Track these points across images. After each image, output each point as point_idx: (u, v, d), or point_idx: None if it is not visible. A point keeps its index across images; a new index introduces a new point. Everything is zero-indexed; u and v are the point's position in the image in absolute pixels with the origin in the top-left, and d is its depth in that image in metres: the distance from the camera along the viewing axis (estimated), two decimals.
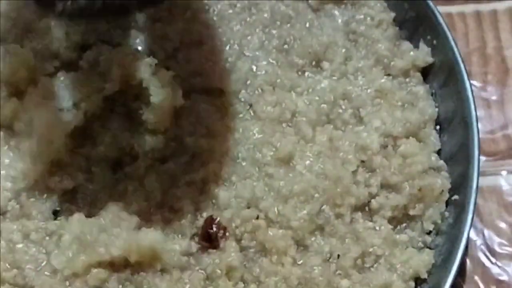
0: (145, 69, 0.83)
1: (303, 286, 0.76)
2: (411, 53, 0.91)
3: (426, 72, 0.91)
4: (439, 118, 0.89)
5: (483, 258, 0.88)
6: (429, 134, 0.87)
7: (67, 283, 0.75)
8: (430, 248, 0.82)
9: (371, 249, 0.79)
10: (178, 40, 0.89)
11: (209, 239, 0.77)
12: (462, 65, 0.87)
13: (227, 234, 0.78)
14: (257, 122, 0.85)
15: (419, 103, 0.88)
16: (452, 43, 0.88)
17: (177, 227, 0.78)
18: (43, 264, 0.76)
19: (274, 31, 0.91)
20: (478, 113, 0.85)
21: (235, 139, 0.84)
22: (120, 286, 0.75)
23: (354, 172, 0.82)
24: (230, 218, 0.78)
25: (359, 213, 0.82)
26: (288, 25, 0.92)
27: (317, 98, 0.86)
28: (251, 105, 0.86)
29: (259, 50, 0.90)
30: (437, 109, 0.89)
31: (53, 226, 0.78)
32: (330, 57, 0.90)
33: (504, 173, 0.93)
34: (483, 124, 0.95)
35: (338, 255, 0.78)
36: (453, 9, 1.03)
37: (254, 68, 0.89)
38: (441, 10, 0.91)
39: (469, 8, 1.04)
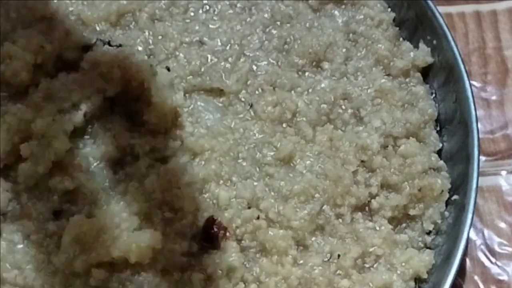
0: (145, 70, 0.83)
1: (303, 286, 0.76)
2: (411, 53, 0.91)
3: (426, 72, 0.91)
4: (439, 118, 0.89)
5: (483, 258, 0.88)
6: (429, 134, 0.87)
7: (68, 283, 0.75)
8: (430, 248, 0.82)
9: (371, 249, 0.79)
10: (178, 40, 0.89)
11: (209, 239, 0.77)
12: (462, 65, 0.87)
13: (227, 234, 0.78)
14: (257, 122, 0.85)
15: (419, 103, 0.88)
16: (452, 43, 0.88)
17: (178, 227, 0.78)
18: (43, 265, 0.76)
19: (274, 31, 0.92)
20: (478, 113, 0.85)
21: (235, 139, 0.84)
22: (121, 287, 0.75)
23: (354, 172, 0.82)
24: (231, 219, 0.78)
25: (359, 213, 0.82)
26: (288, 25, 0.92)
27: (317, 98, 0.86)
28: (251, 105, 0.86)
29: (259, 50, 0.90)
30: (437, 109, 0.89)
31: (53, 226, 0.78)
32: (330, 57, 0.90)
33: (503, 173, 0.93)
34: (483, 124, 0.96)
35: (338, 255, 0.78)
36: (453, 9, 1.04)
37: (254, 68, 0.89)
38: (441, 10, 0.91)
39: (469, 8, 1.04)
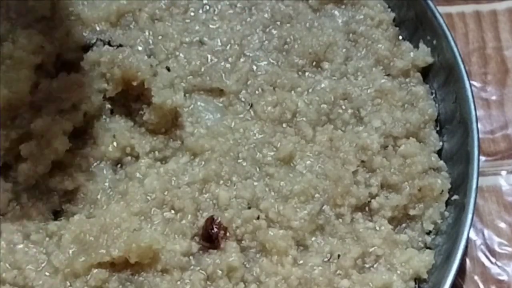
0: (146, 70, 0.83)
1: (303, 286, 0.76)
2: (411, 53, 0.91)
3: (426, 72, 0.91)
4: (439, 118, 0.89)
5: (483, 258, 0.88)
6: (429, 134, 0.87)
7: (68, 283, 0.75)
8: (430, 248, 0.82)
9: (371, 249, 0.79)
10: (178, 40, 0.89)
11: (209, 239, 0.77)
12: (462, 65, 0.87)
13: (227, 234, 0.78)
14: (257, 122, 0.85)
15: (419, 103, 0.88)
16: (452, 43, 0.88)
17: (178, 227, 0.78)
18: (43, 265, 0.76)
19: (274, 31, 0.92)
20: (478, 113, 0.86)
21: (235, 139, 0.84)
22: (121, 287, 0.75)
23: (355, 172, 0.82)
24: (231, 219, 0.78)
25: (359, 213, 0.82)
26: (288, 25, 0.92)
27: (317, 98, 0.86)
28: (251, 105, 0.86)
29: (259, 50, 0.90)
30: (437, 109, 0.89)
31: (53, 226, 0.78)
32: (330, 57, 0.90)
33: (504, 173, 0.93)
34: (483, 124, 0.96)
35: (338, 255, 0.78)
36: (453, 9, 1.04)
37: (254, 68, 0.89)
38: (441, 10, 0.91)
39: (469, 8, 1.04)
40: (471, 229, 0.82)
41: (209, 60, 0.89)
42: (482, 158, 0.92)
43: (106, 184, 0.82)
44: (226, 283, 0.75)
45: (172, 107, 0.83)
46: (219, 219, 0.78)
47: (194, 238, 0.78)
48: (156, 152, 0.84)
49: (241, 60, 0.89)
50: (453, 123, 0.87)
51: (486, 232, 0.89)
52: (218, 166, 0.81)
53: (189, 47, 0.89)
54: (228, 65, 0.88)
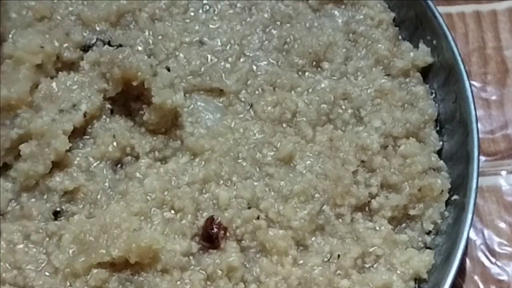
0: (146, 70, 0.83)
1: (303, 286, 0.76)
2: (411, 53, 0.91)
3: (426, 72, 0.91)
4: (439, 118, 0.89)
5: (483, 258, 0.88)
6: (429, 134, 0.87)
7: (68, 283, 0.75)
8: (430, 248, 0.82)
9: (371, 249, 0.79)
10: (178, 40, 0.89)
11: (209, 239, 0.77)
12: (462, 65, 0.87)
13: (227, 234, 0.78)
14: (257, 122, 0.85)
15: (419, 103, 0.88)
16: (452, 43, 0.88)
17: (178, 227, 0.78)
18: (43, 265, 0.76)
19: (274, 31, 0.92)
20: (478, 113, 0.86)
21: (235, 139, 0.84)
22: (121, 287, 0.75)
23: (354, 172, 0.82)
24: (231, 219, 0.78)
25: (359, 213, 0.82)
26: (288, 25, 0.92)
27: (317, 98, 0.86)
28: (251, 105, 0.86)
29: (259, 50, 0.90)
30: (437, 109, 0.89)
31: (53, 226, 0.78)
32: (330, 57, 0.90)
33: (503, 173, 0.93)
34: (483, 124, 0.96)
35: (338, 255, 0.78)
36: (453, 9, 1.04)
37: (254, 68, 0.89)
38: (441, 10, 0.91)
39: (469, 8, 1.04)
40: (471, 229, 0.82)
41: (209, 60, 0.89)
42: (482, 158, 0.92)
43: (106, 184, 0.82)
44: (226, 283, 0.75)
45: (172, 107, 0.83)
46: (219, 219, 0.78)
47: (194, 238, 0.78)
48: (156, 152, 0.84)
49: (241, 60, 0.89)
50: (453, 123, 0.87)
51: (486, 232, 0.89)
52: (218, 166, 0.81)
53: (189, 47, 0.89)
54: (228, 65, 0.88)
